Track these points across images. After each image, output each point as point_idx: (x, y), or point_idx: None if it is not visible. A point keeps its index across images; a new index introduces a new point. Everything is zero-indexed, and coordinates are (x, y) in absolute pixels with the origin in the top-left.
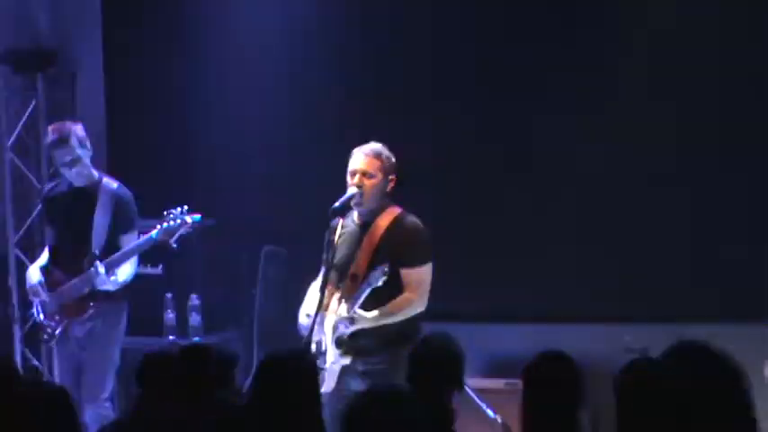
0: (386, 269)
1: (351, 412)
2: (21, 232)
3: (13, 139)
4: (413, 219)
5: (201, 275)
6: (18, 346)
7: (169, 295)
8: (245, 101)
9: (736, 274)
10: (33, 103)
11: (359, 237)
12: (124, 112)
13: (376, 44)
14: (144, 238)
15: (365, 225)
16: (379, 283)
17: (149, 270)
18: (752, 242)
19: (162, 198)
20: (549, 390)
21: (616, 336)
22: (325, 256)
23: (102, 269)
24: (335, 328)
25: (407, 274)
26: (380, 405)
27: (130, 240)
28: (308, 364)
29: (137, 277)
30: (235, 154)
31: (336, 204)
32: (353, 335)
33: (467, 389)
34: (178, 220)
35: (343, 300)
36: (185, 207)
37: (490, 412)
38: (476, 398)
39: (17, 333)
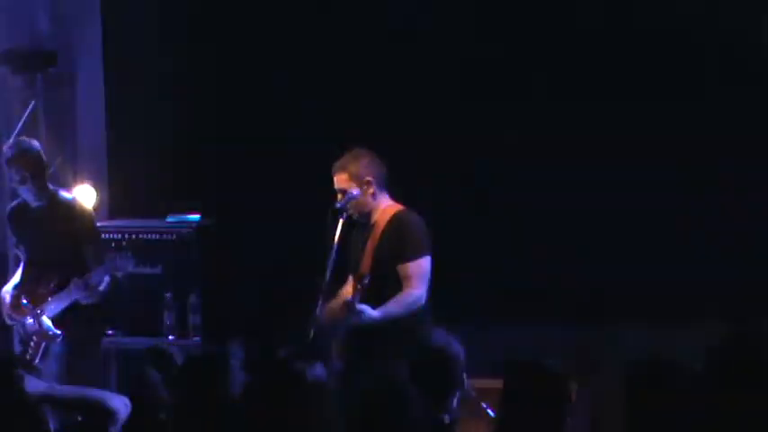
0: (365, 282)
1: (354, 412)
2: None
3: (12, 139)
4: (409, 215)
5: (201, 275)
6: (17, 347)
7: (169, 295)
8: (246, 100)
9: (735, 274)
10: (33, 103)
11: (363, 238)
12: (124, 113)
13: (377, 44)
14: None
15: (368, 226)
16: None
17: (149, 270)
18: (752, 242)
19: (162, 198)
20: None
21: (616, 336)
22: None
23: (80, 282)
24: (341, 323)
25: (403, 268)
26: (383, 405)
27: (94, 250)
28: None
29: (137, 277)
30: (235, 154)
31: (337, 204)
32: (357, 336)
33: (467, 389)
34: (122, 263)
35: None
36: (129, 253)
37: (490, 412)
38: (476, 398)
39: (17, 333)
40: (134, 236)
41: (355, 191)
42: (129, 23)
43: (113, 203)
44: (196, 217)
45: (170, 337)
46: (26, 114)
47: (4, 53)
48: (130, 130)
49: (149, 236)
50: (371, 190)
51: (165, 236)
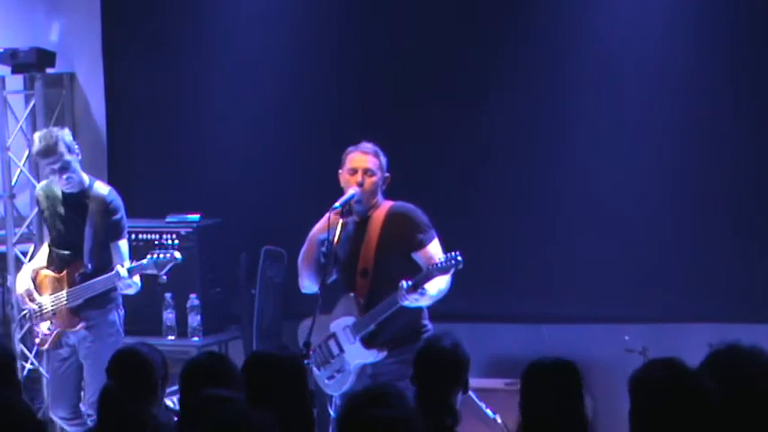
0: (459, 258)
1: (340, 413)
2: (20, 232)
3: (12, 139)
4: (407, 204)
5: (201, 275)
6: (17, 347)
7: (169, 295)
8: (246, 101)
9: (735, 274)
10: (33, 103)
11: (359, 234)
12: (124, 113)
13: (376, 45)
14: (136, 264)
15: (362, 222)
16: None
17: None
18: (752, 242)
19: (162, 198)
20: (547, 396)
21: (616, 336)
22: (323, 260)
23: (124, 272)
24: (396, 301)
25: (423, 254)
26: (368, 406)
27: (121, 247)
28: (295, 361)
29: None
30: (235, 154)
31: (336, 204)
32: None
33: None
34: (167, 255)
35: (361, 298)
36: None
37: (490, 412)
38: (476, 398)
39: (16, 333)
40: (134, 236)
41: (356, 191)
42: (129, 23)
43: None
44: (196, 217)
45: (169, 338)
46: (26, 114)
47: (4, 53)
48: (130, 129)
49: (149, 236)
50: (385, 185)
51: (164, 236)
